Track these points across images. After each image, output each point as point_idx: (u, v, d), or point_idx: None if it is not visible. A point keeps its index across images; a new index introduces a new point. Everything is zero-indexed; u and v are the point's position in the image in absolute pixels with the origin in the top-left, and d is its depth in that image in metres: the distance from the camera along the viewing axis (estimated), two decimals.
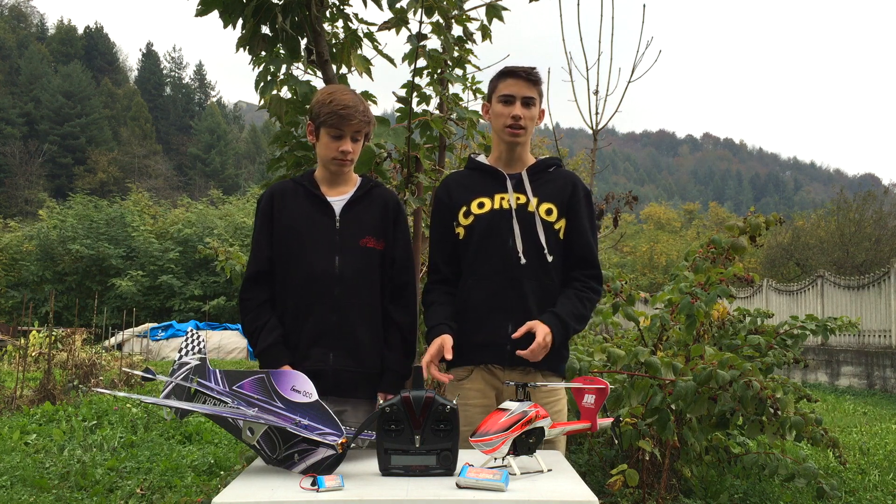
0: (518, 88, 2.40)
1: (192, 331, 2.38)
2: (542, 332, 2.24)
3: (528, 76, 2.41)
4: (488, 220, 2.42)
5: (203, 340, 2.30)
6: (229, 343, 20.22)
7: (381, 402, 2.12)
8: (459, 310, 2.45)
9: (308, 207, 2.38)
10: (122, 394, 2.01)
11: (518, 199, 2.42)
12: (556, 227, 2.42)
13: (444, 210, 2.52)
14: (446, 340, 2.29)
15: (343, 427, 1.86)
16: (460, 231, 2.47)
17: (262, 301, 2.38)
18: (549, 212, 2.41)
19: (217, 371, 2.10)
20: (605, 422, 2.06)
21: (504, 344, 2.35)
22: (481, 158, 2.55)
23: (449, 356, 2.30)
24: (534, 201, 2.41)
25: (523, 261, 2.37)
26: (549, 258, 2.39)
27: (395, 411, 1.76)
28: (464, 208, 2.47)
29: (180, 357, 2.24)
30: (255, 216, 2.47)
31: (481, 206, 2.44)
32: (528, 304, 2.37)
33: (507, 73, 2.43)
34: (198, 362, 2.17)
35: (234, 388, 2.02)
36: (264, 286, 2.39)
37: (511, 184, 2.44)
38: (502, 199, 2.43)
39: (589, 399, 2.00)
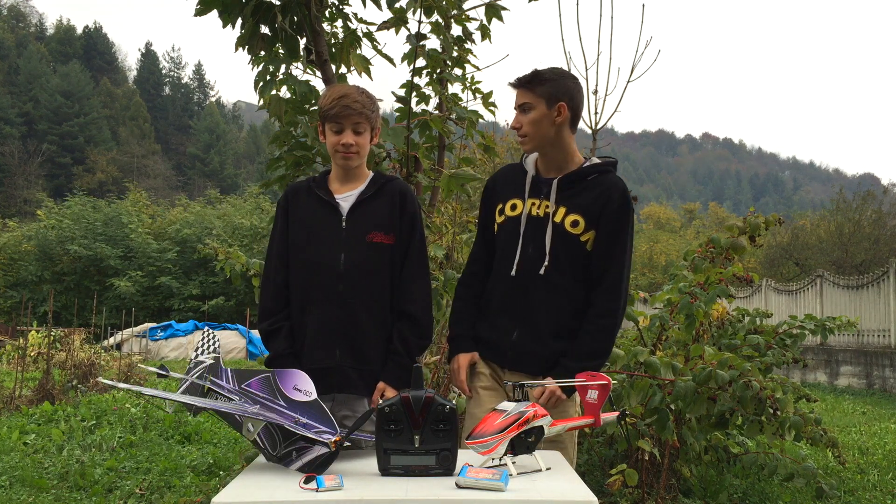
0: (516, 98, 2.40)
1: (207, 330, 2.46)
2: (550, 389, 2.28)
3: (518, 83, 2.38)
4: (515, 224, 2.42)
5: (218, 340, 2.36)
6: (228, 343, 20.18)
7: (380, 400, 2.12)
8: (483, 304, 2.51)
9: (316, 205, 2.40)
10: (123, 385, 2.06)
11: (547, 206, 2.39)
12: (583, 238, 2.36)
13: (488, 202, 2.55)
14: (462, 362, 2.44)
15: (338, 426, 1.89)
16: (495, 227, 2.50)
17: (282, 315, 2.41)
18: (574, 223, 2.36)
19: (229, 370, 2.16)
20: (609, 416, 2.06)
21: (506, 349, 2.41)
22: (529, 159, 2.50)
23: (462, 378, 2.43)
24: (560, 212, 2.37)
25: (541, 271, 2.36)
26: (553, 270, 2.36)
27: (394, 411, 1.76)
28: (500, 206, 2.49)
29: (196, 356, 2.30)
30: (274, 219, 2.50)
31: (514, 208, 2.44)
32: (536, 315, 2.38)
33: (511, 84, 2.42)
34: (212, 361, 2.22)
35: (242, 386, 2.08)
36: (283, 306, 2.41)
37: (544, 191, 2.41)
38: (533, 204, 2.41)
39: (592, 395, 2.00)
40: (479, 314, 2.50)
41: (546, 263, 2.36)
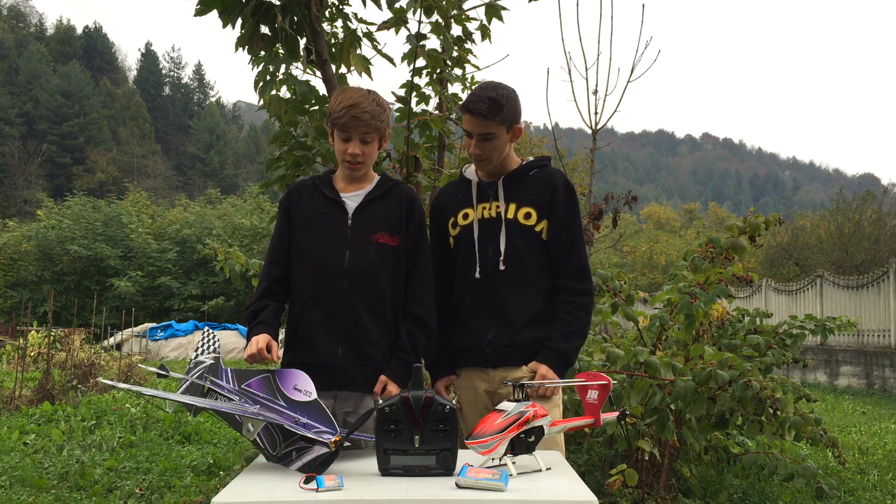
0: (472, 125, 2.41)
1: (207, 330, 2.47)
2: (541, 371, 2.35)
3: (478, 113, 2.37)
4: (470, 231, 2.50)
5: (218, 340, 2.36)
6: (228, 343, 20.17)
7: (380, 400, 2.12)
8: (454, 313, 2.54)
9: (321, 203, 2.40)
10: (123, 385, 2.08)
11: (497, 206, 2.47)
12: (538, 229, 2.44)
13: (438, 221, 2.62)
14: (440, 387, 2.54)
15: (340, 427, 1.88)
16: (451, 241, 2.56)
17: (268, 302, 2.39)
18: (527, 216, 2.44)
19: (229, 370, 2.16)
20: (609, 416, 2.06)
21: (484, 348, 2.46)
22: (469, 171, 2.60)
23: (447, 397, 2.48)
24: (511, 208, 2.45)
25: (502, 267, 2.43)
26: (515, 264, 2.42)
27: (394, 411, 1.76)
28: (452, 219, 2.56)
29: (196, 356, 2.30)
30: (276, 217, 2.50)
31: (466, 216, 2.53)
32: (507, 309, 2.43)
33: (464, 108, 2.42)
34: (212, 361, 2.23)
35: (242, 386, 2.08)
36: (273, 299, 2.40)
37: (491, 193, 2.50)
38: (484, 208, 2.49)
39: (592, 395, 2.01)
40: (451, 328, 2.53)
41: (504, 257, 2.42)
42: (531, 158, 2.57)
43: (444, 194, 2.68)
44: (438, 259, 2.57)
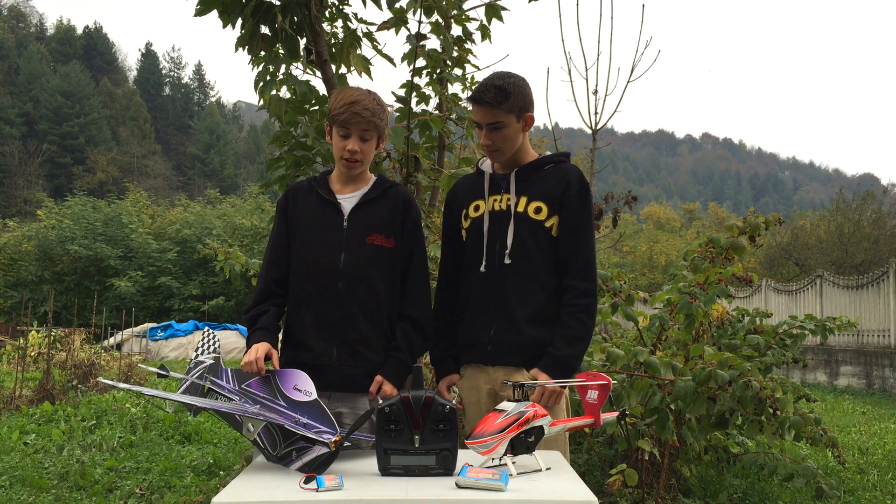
0: (481, 116, 2.39)
1: (207, 330, 2.47)
2: (541, 380, 2.30)
3: (485, 102, 2.35)
4: (480, 223, 2.47)
5: (218, 340, 2.36)
6: (228, 343, 20.16)
7: (381, 401, 2.13)
8: (460, 307, 2.52)
9: (317, 204, 2.41)
10: (123, 385, 2.09)
11: (508, 199, 2.44)
12: (548, 224, 2.41)
13: (451, 213, 2.60)
14: (442, 386, 2.52)
15: (338, 427, 1.89)
16: (463, 234, 2.54)
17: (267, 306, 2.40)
18: (537, 210, 2.41)
19: (229, 370, 2.17)
20: (609, 416, 2.06)
21: (486, 343, 2.43)
22: (485, 164, 2.57)
23: (448, 396, 2.47)
24: (522, 201, 2.42)
25: (507, 261, 2.40)
26: (521, 259, 2.40)
27: (394, 411, 1.76)
28: (464, 211, 2.54)
29: (196, 356, 2.30)
30: (274, 219, 2.51)
31: (477, 209, 2.50)
32: (510, 305, 2.40)
33: (471, 99, 2.41)
34: (212, 361, 2.23)
35: (242, 386, 2.09)
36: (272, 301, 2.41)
37: (503, 185, 2.47)
38: (495, 200, 2.47)
39: (592, 395, 2.01)
40: (457, 324, 2.52)
41: (511, 251, 2.39)
42: (549, 153, 2.54)
43: (459, 186, 2.65)
44: (451, 252, 2.57)
